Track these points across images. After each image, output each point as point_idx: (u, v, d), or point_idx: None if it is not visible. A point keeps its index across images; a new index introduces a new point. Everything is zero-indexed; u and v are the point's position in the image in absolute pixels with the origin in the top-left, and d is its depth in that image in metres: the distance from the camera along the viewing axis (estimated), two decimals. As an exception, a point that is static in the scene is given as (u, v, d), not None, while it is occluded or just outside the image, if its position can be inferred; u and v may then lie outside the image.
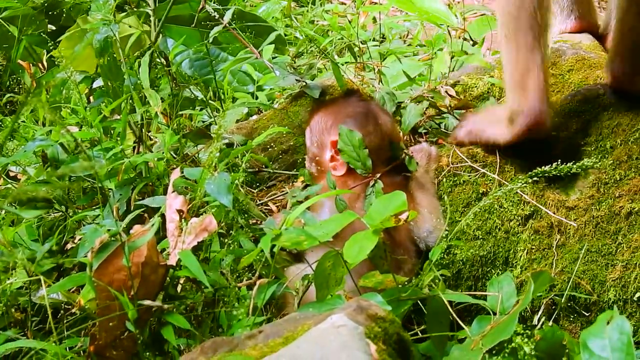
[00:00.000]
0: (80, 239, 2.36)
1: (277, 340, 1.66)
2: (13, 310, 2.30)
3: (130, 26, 3.17)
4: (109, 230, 2.10)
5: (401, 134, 2.83)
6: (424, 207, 2.60)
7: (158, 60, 3.23)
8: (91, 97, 3.37)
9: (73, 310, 2.28)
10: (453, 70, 3.42)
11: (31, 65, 4.02)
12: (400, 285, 2.08)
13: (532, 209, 2.59)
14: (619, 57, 2.72)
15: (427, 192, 2.65)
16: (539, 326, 2.45)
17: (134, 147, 2.89)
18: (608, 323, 1.67)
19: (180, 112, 3.10)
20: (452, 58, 3.43)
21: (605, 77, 2.79)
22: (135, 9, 3.24)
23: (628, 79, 2.69)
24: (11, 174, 3.18)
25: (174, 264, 2.07)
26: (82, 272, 2.11)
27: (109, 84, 2.98)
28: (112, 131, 2.83)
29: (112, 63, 2.99)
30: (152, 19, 3.11)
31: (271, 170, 3.02)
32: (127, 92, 2.81)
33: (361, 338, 1.61)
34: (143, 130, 2.85)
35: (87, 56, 3.22)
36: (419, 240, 2.57)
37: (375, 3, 5.80)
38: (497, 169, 2.69)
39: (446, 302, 2.07)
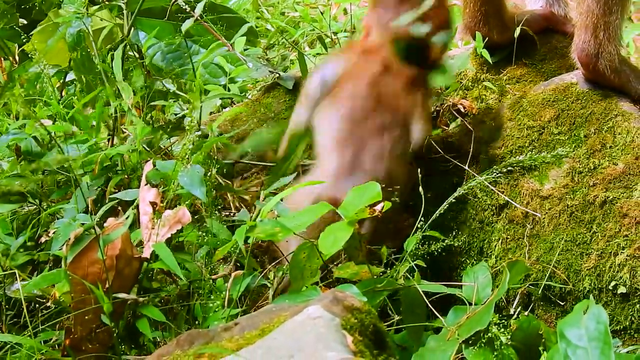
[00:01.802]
0: (54, 232, 2.36)
1: (253, 332, 1.66)
2: (-13, 304, 2.29)
3: (102, 19, 3.16)
4: (82, 224, 2.10)
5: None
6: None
7: (131, 53, 3.22)
8: (64, 91, 3.36)
9: (48, 304, 2.27)
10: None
11: (3, 59, 4.00)
12: (375, 276, 2.08)
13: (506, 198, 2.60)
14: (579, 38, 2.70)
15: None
16: (515, 316, 2.46)
17: (108, 140, 2.89)
18: (585, 312, 1.68)
19: (153, 104, 3.09)
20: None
21: (576, 65, 2.79)
22: (107, 2, 3.23)
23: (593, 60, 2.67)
24: (-16, 168, 3.17)
25: (148, 257, 2.07)
26: (57, 269, 2.10)
27: (82, 77, 2.97)
28: (78, 124, 2.82)
29: (85, 56, 2.98)
30: (124, 12, 3.11)
31: (246, 161, 3.01)
32: (100, 86, 2.80)
33: (337, 329, 1.62)
34: (117, 123, 2.84)
35: (60, 50, 3.21)
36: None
37: (347, -7, 5.79)
38: (470, 159, 2.69)
39: (421, 293, 2.08)
